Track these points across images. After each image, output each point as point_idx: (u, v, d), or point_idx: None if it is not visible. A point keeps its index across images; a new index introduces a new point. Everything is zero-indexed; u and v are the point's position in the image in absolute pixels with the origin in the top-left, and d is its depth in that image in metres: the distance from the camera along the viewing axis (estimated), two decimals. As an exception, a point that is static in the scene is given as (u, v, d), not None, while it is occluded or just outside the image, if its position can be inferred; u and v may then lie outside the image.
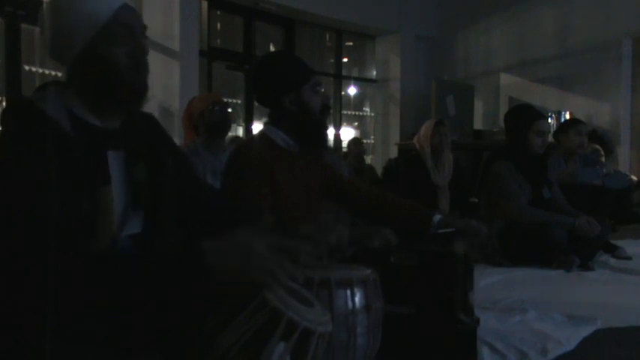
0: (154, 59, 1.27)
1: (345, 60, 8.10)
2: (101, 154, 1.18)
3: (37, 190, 1.04)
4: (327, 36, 7.91)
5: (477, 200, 3.91)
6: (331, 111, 2.16)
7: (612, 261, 3.42)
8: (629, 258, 3.46)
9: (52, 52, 1.22)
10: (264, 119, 2.05)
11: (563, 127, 4.18)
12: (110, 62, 1.18)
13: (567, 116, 5.99)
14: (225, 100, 3.40)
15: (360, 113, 8.36)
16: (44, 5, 1.20)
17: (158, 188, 1.25)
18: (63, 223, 1.03)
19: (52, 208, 1.03)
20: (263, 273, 1.05)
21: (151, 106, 1.33)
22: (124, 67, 1.19)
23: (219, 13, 6.69)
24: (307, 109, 1.93)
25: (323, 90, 2.00)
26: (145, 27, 1.25)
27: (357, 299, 1.31)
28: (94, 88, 1.20)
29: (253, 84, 2.01)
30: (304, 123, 1.94)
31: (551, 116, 5.92)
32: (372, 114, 8.26)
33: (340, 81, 7.82)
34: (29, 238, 1.01)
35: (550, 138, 3.62)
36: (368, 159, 7.58)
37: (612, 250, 3.55)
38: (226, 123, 3.23)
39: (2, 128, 1.13)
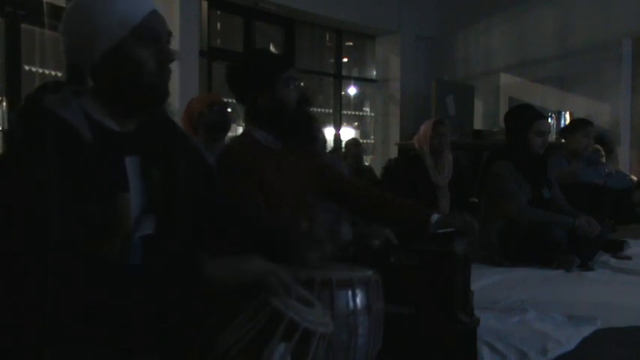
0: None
1: (345, 60, 8.09)
2: (119, 160, 1.18)
3: (54, 200, 1.03)
4: (327, 36, 7.90)
5: (477, 200, 3.91)
6: (311, 105, 2.13)
7: (612, 261, 3.42)
8: (629, 258, 3.46)
9: (72, 55, 1.21)
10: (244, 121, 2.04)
11: (571, 127, 4.16)
12: (137, 64, 1.18)
13: (567, 116, 5.99)
14: (225, 100, 3.39)
15: (360, 113, 8.36)
16: (70, 6, 1.20)
17: (171, 191, 1.26)
18: (80, 230, 1.04)
19: (66, 216, 1.03)
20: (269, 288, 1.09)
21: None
22: (149, 69, 1.19)
23: (219, 13, 6.68)
24: (281, 105, 1.92)
25: (301, 83, 1.99)
26: (170, 33, 1.25)
27: (358, 300, 1.31)
28: (117, 90, 1.20)
29: (231, 87, 2.01)
30: (280, 120, 1.93)
31: (551, 116, 5.92)
32: (372, 114, 8.26)
33: (340, 81, 7.81)
34: (38, 241, 1.01)
35: (552, 137, 3.63)
36: (368, 159, 7.58)
37: (617, 248, 3.55)
38: (226, 123, 3.22)
39: (23, 136, 1.10)
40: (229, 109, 3.34)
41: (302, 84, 2.01)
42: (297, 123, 1.95)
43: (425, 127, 4.16)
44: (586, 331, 2.02)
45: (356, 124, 8.34)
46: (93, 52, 1.18)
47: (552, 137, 5.19)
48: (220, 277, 1.07)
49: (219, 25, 6.85)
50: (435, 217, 2.07)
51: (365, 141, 7.74)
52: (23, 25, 4.59)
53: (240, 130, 6.75)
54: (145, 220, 1.20)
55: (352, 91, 8.21)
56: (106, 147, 1.15)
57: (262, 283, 1.08)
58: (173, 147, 1.30)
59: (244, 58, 2.13)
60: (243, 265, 1.11)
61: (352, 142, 6.24)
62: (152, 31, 1.20)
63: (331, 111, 7.65)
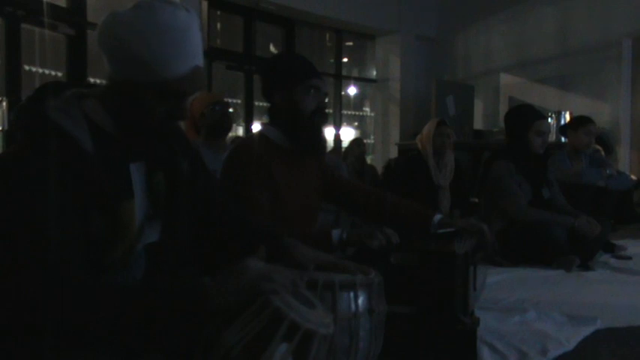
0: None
1: (345, 60, 8.10)
2: (123, 167, 1.16)
3: (54, 214, 1.02)
4: (327, 36, 7.91)
5: (477, 200, 3.91)
6: (328, 113, 2.15)
7: (612, 261, 3.42)
8: (629, 258, 3.46)
9: (102, 50, 1.15)
10: (264, 118, 2.06)
11: (574, 124, 4.15)
12: (146, 109, 1.14)
13: (567, 116, 5.99)
14: (226, 100, 3.40)
15: (360, 113, 8.37)
16: (118, 20, 1.11)
17: (176, 197, 1.25)
18: (86, 240, 1.04)
19: (67, 231, 1.02)
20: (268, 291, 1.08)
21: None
22: (156, 118, 1.15)
23: (219, 13, 6.69)
24: (296, 108, 1.93)
25: (322, 94, 2.00)
26: (197, 89, 1.19)
27: (360, 302, 1.31)
28: (120, 111, 1.16)
29: (260, 80, 2.05)
30: (292, 122, 1.95)
31: (551, 116, 5.92)
32: (372, 114, 8.27)
33: (340, 81, 7.82)
34: (37, 254, 1.00)
35: (552, 137, 3.62)
36: (368, 159, 7.59)
37: (613, 250, 3.55)
38: (227, 122, 3.23)
39: (21, 147, 1.08)
40: (230, 109, 3.34)
41: (326, 99, 2.02)
42: (306, 129, 1.96)
43: (428, 127, 4.15)
44: (586, 331, 2.02)
45: (356, 124, 8.35)
46: (111, 69, 1.14)
47: (552, 137, 5.19)
48: (221, 302, 1.06)
49: (219, 25, 6.86)
50: (437, 217, 2.07)
51: (365, 141, 7.75)
52: (23, 25, 4.60)
53: (241, 130, 6.77)
54: (149, 226, 1.19)
55: (352, 91, 8.22)
56: (109, 155, 1.13)
57: (259, 289, 1.07)
58: (178, 152, 1.29)
59: (278, 56, 2.18)
60: (240, 278, 1.08)
61: (355, 142, 6.24)
62: (179, 91, 1.13)
63: (331, 111, 7.66)
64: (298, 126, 1.94)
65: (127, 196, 1.14)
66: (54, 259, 1.00)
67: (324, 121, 2.01)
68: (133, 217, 1.14)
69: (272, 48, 7.32)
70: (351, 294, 1.31)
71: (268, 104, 2.03)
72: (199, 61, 1.15)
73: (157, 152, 1.24)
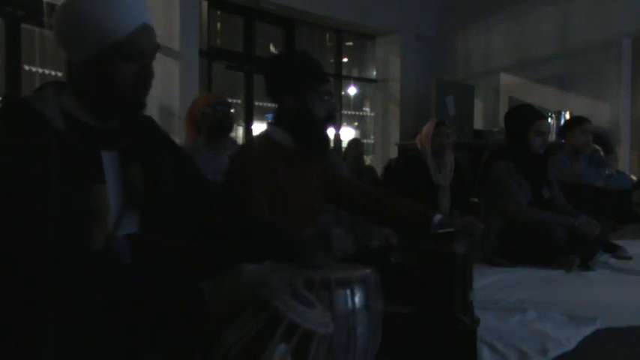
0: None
1: (345, 60, 8.10)
2: (95, 153, 1.19)
3: (34, 189, 1.04)
4: (327, 36, 7.91)
5: (477, 200, 3.90)
6: (335, 123, 2.15)
7: (612, 261, 3.42)
8: (629, 258, 3.46)
9: (60, 43, 1.23)
10: (267, 118, 2.05)
11: (570, 125, 4.17)
12: (112, 78, 1.19)
13: (567, 116, 5.99)
14: (229, 100, 3.39)
15: (360, 113, 8.37)
16: (61, 6, 1.20)
17: (155, 189, 1.26)
18: (59, 221, 1.04)
19: (48, 207, 1.03)
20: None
21: (150, 106, 1.33)
22: (125, 85, 1.20)
23: (219, 13, 6.69)
24: (307, 112, 1.92)
25: (333, 99, 1.99)
26: (157, 47, 1.25)
27: (357, 299, 1.31)
28: (93, 94, 1.21)
29: (265, 78, 2.01)
30: (302, 125, 1.94)
31: (551, 116, 5.92)
32: (372, 114, 8.26)
33: (340, 81, 7.81)
34: (29, 240, 1.01)
35: (552, 137, 3.62)
36: (368, 159, 7.59)
37: (613, 250, 3.55)
38: (229, 123, 3.22)
39: (5, 129, 1.13)
40: (232, 110, 3.33)
41: (333, 101, 2.01)
42: (316, 134, 1.95)
43: (427, 127, 4.15)
44: (586, 331, 2.02)
45: (356, 124, 8.35)
46: (74, 56, 1.20)
47: (552, 137, 5.20)
48: (217, 304, 1.09)
49: (219, 25, 6.86)
50: (437, 217, 2.07)
51: (365, 141, 7.75)
52: (23, 25, 4.60)
53: (240, 130, 6.77)
54: (126, 216, 1.21)
55: (352, 91, 8.22)
56: (80, 139, 1.16)
57: (255, 295, 1.09)
58: (158, 147, 1.31)
59: (289, 55, 2.14)
60: (234, 286, 1.12)
61: (353, 143, 6.24)
62: (136, 48, 1.19)
63: (335, 123, 7.65)
64: (310, 131, 1.93)
65: (99, 181, 1.17)
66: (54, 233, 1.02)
67: (333, 125, 2.01)
68: (106, 201, 1.16)
69: (272, 48, 7.32)
70: (348, 291, 1.31)
71: (275, 105, 2.00)
72: (146, 18, 1.21)
73: (135, 145, 1.26)
